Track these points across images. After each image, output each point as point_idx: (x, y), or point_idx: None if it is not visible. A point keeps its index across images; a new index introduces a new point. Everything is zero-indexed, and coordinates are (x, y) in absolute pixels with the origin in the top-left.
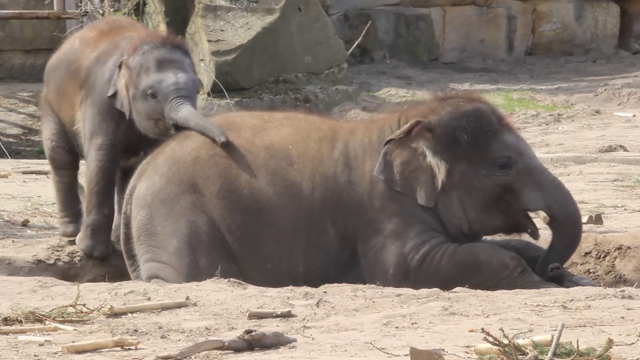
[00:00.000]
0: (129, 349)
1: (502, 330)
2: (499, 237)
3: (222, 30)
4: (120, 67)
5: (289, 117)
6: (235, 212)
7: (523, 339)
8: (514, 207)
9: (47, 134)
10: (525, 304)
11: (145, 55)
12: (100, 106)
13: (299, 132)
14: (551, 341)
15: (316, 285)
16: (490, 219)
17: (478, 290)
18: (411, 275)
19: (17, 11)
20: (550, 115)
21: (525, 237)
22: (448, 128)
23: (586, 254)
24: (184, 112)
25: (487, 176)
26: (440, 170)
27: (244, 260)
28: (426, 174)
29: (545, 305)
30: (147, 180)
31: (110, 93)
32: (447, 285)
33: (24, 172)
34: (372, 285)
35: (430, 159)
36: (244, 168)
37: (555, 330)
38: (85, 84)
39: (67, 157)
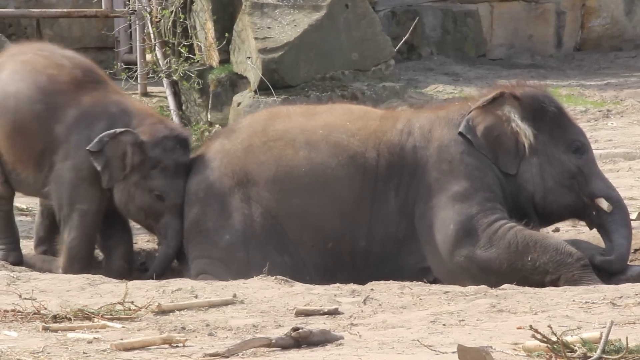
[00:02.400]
0: (177, 347)
1: (551, 328)
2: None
3: (269, 28)
4: (124, 139)
5: (337, 104)
6: (294, 193)
7: (571, 336)
8: (583, 191)
9: None
10: (573, 300)
11: (165, 153)
12: (85, 171)
13: (353, 113)
14: (600, 338)
15: (372, 263)
16: (564, 193)
17: (526, 287)
18: (474, 235)
19: (65, 10)
20: (599, 111)
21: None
22: (535, 99)
23: (635, 250)
24: (177, 226)
25: (565, 153)
26: (527, 134)
27: (301, 245)
28: (510, 140)
29: (593, 302)
30: (197, 176)
31: (94, 148)
32: (508, 254)
33: None
34: (419, 282)
35: (519, 123)
36: (302, 145)
37: (604, 327)
38: (66, 143)
39: (8, 189)
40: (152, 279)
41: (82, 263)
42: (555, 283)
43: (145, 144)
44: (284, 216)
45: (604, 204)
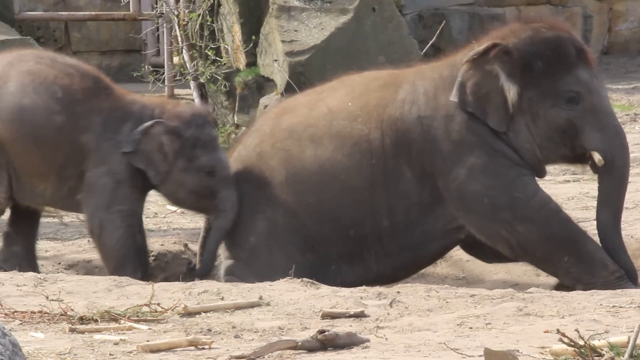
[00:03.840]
0: (203, 349)
1: (578, 331)
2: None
3: (295, 31)
4: (156, 131)
5: (342, 79)
6: (307, 193)
7: (599, 340)
8: (574, 143)
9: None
10: (601, 304)
11: (200, 130)
12: (121, 174)
13: (355, 87)
14: (627, 342)
15: (400, 236)
16: (556, 147)
17: (553, 290)
18: (516, 211)
19: (93, 13)
20: (627, 114)
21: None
22: (525, 53)
23: None
24: (234, 196)
25: (553, 107)
26: (511, 93)
27: (325, 238)
28: (499, 96)
29: (621, 306)
30: None
31: (129, 149)
32: (546, 243)
33: None
34: (446, 285)
35: (503, 81)
36: (306, 144)
37: (631, 331)
38: (96, 151)
39: (7, 205)
40: (212, 253)
41: (135, 262)
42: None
43: (178, 128)
44: (303, 214)
45: (596, 157)
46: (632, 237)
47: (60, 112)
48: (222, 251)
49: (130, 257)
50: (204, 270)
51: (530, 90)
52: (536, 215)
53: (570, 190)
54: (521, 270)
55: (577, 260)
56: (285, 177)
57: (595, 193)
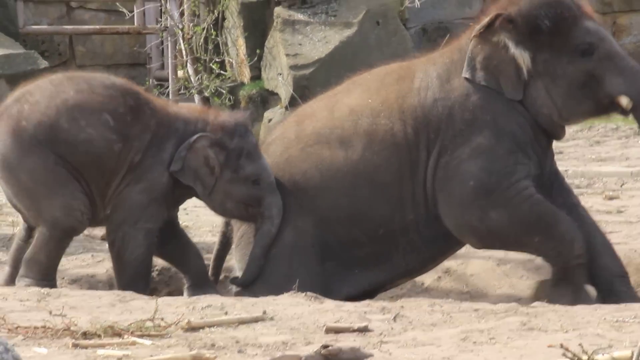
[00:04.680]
0: None
1: (581, 346)
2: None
3: (300, 44)
4: (201, 145)
5: (352, 80)
6: (341, 194)
7: (602, 354)
8: (599, 94)
9: (76, 204)
10: (604, 319)
11: (243, 139)
12: (157, 192)
13: (370, 85)
14: (631, 357)
15: (426, 229)
16: (579, 104)
17: (557, 305)
18: (491, 196)
19: (98, 27)
20: (631, 128)
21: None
22: (529, 17)
23: None
24: (280, 202)
25: (570, 63)
26: (524, 60)
27: (353, 243)
28: (511, 66)
29: (625, 321)
30: None
31: (177, 168)
32: (519, 226)
33: None
34: (449, 299)
35: (514, 50)
36: (336, 146)
37: (635, 346)
38: (138, 167)
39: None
40: (257, 258)
41: (146, 280)
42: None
43: (222, 140)
44: (335, 219)
45: (623, 101)
46: (635, 251)
47: (118, 140)
48: (236, 262)
49: (144, 276)
50: (249, 277)
51: (543, 52)
52: (510, 201)
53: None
54: (525, 284)
55: (548, 239)
56: (319, 181)
57: (600, 207)
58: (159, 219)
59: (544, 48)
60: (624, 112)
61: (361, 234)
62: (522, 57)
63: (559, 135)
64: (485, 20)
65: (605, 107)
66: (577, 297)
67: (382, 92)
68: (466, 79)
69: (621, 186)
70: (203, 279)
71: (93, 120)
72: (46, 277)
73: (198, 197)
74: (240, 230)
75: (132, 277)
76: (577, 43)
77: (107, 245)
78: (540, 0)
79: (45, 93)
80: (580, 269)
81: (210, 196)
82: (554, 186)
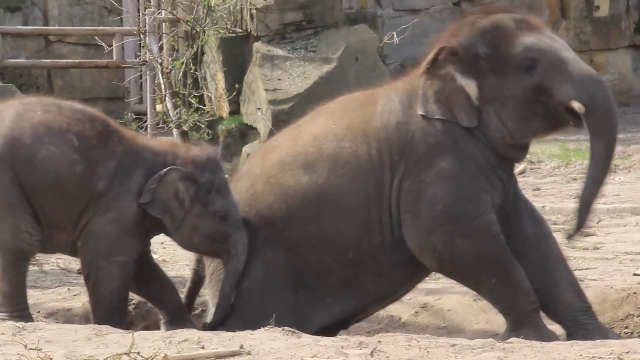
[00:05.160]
0: None
1: None
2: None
3: (279, 80)
4: (171, 178)
5: (315, 110)
6: (309, 221)
7: None
8: (551, 106)
9: (23, 226)
10: (580, 355)
11: (214, 174)
12: (127, 222)
13: (334, 112)
14: None
15: (394, 249)
16: (530, 122)
17: (533, 341)
18: (458, 224)
19: (76, 60)
20: None
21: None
22: (468, 47)
23: None
24: (245, 239)
25: (516, 82)
26: (471, 89)
27: (323, 269)
28: (461, 95)
29: (601, 357)
30: None
31: (146, 200)
32: (479, 264)
33: None
34: (427, 335)
35: (460, 80)
36: (300, 172)
37: None
38: (105, 196)
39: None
40: (227, 296)
41: (122, 313)
42: (506, 317)
43: (193, 174)
44: (305, 247)
45: (575, 106)
46: (611, 287)
47: (80, 162)
48: (209, 299)
49: (120, 309)
50: (221, 317)
51: (488, 78)
52: (477, 233)
53: None
54: (502, 320)
55: (504, 284)
56: (285, 212)
57: (577, 243)
58: (133, 251)
59: (488, 74)
60: (577, 123)
61: (331, 259)
62: (469, 86)
63: (518, 157)
64: (431, 55)
65: (559, 120)
66: (542, 336)
67: (346, 118)
68: (422, 115)
69: (597, 223)
70: (180, 314)
71: (57, 139)
72: (18, 308)
73: (165, 231)
74: (211, 268)
75: (108, 311)
76: (517, 61)
77: (82, 278)
78: (478, 28)
79: (12, 111)
80: (536, 312)
81: (178, 230)
82: (524, 216)
